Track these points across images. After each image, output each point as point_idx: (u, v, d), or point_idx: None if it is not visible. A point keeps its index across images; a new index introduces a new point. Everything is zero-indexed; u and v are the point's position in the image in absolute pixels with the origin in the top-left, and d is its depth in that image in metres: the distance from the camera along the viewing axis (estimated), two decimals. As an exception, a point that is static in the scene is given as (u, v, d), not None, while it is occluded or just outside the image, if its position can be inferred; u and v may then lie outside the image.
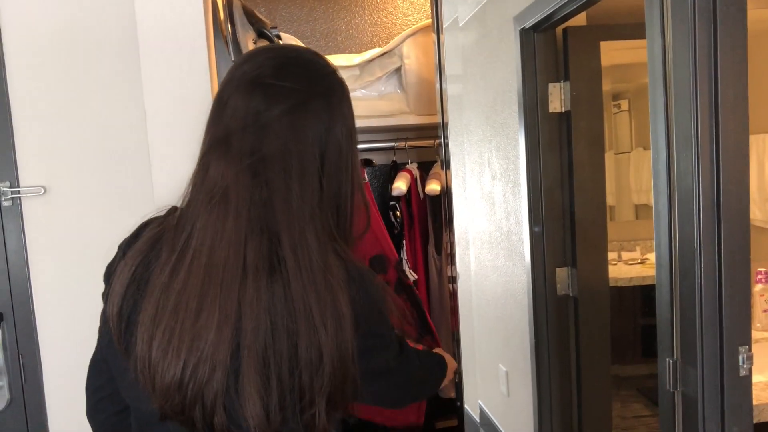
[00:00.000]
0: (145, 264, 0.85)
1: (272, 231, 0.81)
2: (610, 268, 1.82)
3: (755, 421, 1.17)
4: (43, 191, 1.81)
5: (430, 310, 2.59)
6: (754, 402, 1.13)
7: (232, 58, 1.62)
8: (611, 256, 2.55)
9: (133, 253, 0.86)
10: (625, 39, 1.71)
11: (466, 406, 2.44)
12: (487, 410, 2.29)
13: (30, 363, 1.86)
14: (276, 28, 1.91)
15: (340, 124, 0.89)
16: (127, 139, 1.83)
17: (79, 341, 1.85)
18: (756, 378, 1.37)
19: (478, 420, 2.36)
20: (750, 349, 1.06)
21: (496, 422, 2.20)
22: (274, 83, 0.85)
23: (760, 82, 2.06)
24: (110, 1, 1.75)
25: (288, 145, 0.83)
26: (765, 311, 1.89)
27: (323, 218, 0.85)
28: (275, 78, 0.85)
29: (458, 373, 2.44)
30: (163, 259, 0.82)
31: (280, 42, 1.94)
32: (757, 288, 1.90)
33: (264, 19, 1.86)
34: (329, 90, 0.89)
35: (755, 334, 1.87)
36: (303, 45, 2.38)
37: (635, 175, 2.58)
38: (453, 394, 2.55)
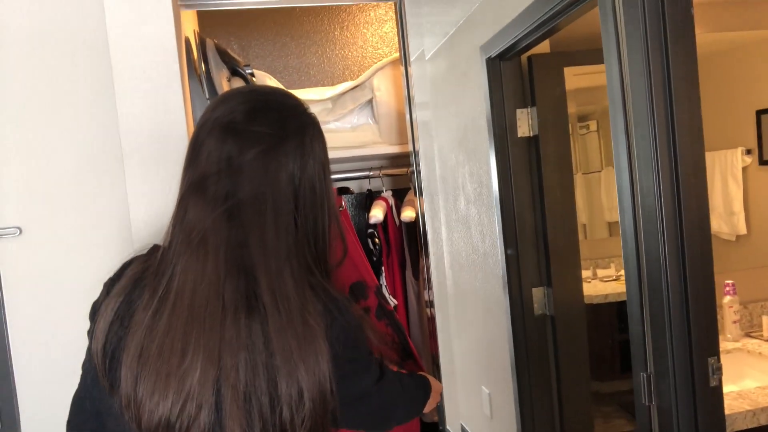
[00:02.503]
0: (127, 302, 0.86)
1: (249, 271, 0.84)
2: (586, 285, 1.86)
3: (729, 430, 1.20)
4: (18, 232, 1.80)
5: (410, 334, 2.60)
6: (727, 412, 1.16)
7: (207, 97, 1.65)
8: (586, 273, 2.60)
9: (117, 291, 0.87)
10: (588, 64, 1.77)
11: (448, 427, 2.44)
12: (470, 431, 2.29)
13: (6, 406, 1.83)
14: (249, 66, 1.94)
15: (313, 161, 0.92)
16: (103, 177, 1.84)
17: (57, 380, 1.83)
18: (728, 388, 1.41)
19: (461, 442, 2.36)
20: (719, 360, 1.09)
21: (481, 445, 2.21)
22: (245, 129, 0.88)
23: (721, 100, 2.15)
24: (84, 41, 1.77)
25: (261, 187, 0.86)
26: (734, 322, 1.94)
27: (300, 254, 0.87)
28: (247, 123, 0.89)
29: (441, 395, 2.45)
30: (146, 300, 0.84)
31: (254, 79, 1.98)
32: (726, 300, 1.94)
33: (237, 57, 1.89)
34: (301, 130, 0.92)
35: (726, 345, 1.91)
36: (275, 81, 2.42)
37: (606, 193, 2.64)
38: (436, 419, 2.55)
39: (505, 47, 1.66)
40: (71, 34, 1.77)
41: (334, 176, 2.65)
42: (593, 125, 2.66)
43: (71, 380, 0.97)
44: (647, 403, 1.15)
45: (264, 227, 0.85)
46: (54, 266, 1.83)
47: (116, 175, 1.80)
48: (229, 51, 1.84)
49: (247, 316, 0.82)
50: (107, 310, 0.86)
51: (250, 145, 0.87)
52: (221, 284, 0.82)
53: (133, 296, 0.87)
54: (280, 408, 0.80)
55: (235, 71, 1.85)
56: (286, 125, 0.91)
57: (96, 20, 1.75)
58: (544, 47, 1.78)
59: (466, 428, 2.32)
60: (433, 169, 2.33)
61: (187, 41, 1.63)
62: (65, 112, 1.82)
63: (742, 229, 2.19)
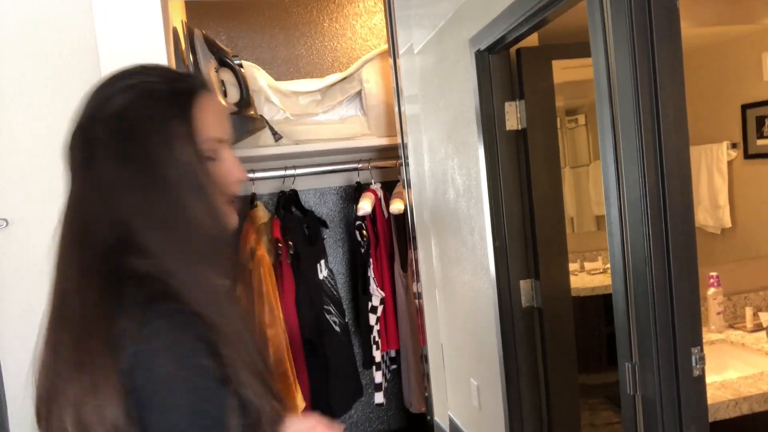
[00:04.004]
0: None
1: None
2: (574, 278, 1.87)
3: (711, 419, 1.22)
4: (5, 224, 1.79)
5: (398, 327, 2.61)
6: (710, 401, 1.18)
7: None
8: (574, 266, 2.62)
9: None
10: (576, 57, 1.78)
11: (437, 419, 2.46)
12: (459, 424, 2.31)
13: (-7, 401, 1.82)
14: (237, 56, 1.93)
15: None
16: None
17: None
18: (711, 378, 1.43)
19: (448, 431, 2.38)
20: (702, 350, 1.11)
21: (469, 436, 2.23)
22: None
23: (707, 94, 2.17)
24: (71, 32, 1.76)
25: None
26: (718, 314, 1.96)
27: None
28: None
29: (427, 387, 2.47)
30: None
31: (242, 70, 1.97)
32: (710, 291, 1.97)
33: (225, 48, 1.88)
34: None
35: (710, 336, 1.94)
36: (264, 73, 2.41)
37: (594, 187, 2.66)
38: (423, 409, 2.57)
39: (493, 40, 1.66)
40: (58, 24, 1.76)
41: (323, 168, 2.65)
42: (581, 119, 2.67)
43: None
44: (632, 393, 1.17)
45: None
46: (41, 259, 1.82)
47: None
48: (217, 42, 1.83)
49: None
50: None
51: None
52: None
53: None
54: None
55: (223, 62, 1.85)
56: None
57: (83, 10, 1.74)
58: (532, 40, 1.79)
59: (455, 420, 2.34)
60: (422, 162, 2.34)
61: (175, 32, 1.62)
62: (53, 103, 1.81)
63: (727, 223, 2.21)
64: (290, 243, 2.40)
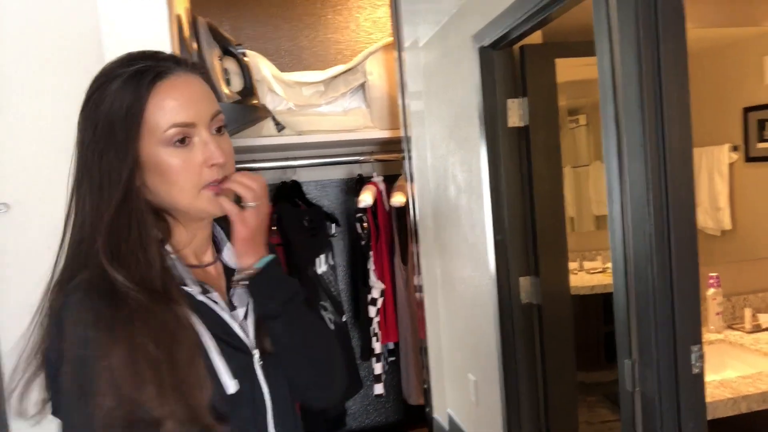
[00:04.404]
0: None
1: None
2: (573, 277, 1.87)
3: (710, 417, 1.22)
4: (5, 209, 1.78)
5: (398, 320, 2.61)
6: (708, 399, 1.18)
7: (198, 76, 1.64)
8: (573, 265, 2.62)
9: None
10: (580, 56, 1.77)
11: (435, 415, 2.46)
12: (456, 419, 2.31)
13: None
14: (241, 45, 1.92)
15: None
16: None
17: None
18: (710, 377, 1.43)
19: (447, 428, 2.38)
20: (701, 348, 1.11)
21: (466, 430, 2.23)
22: None
23: (709, 97, 2.17)
24: (75, 19, 1.75)
25: None
26: (718, 314, 1.96)
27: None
28: None
29: (426, 380, 2.47)
30: None
31: (246, 59, 1.96)
32: (710, 292, 1.97)
33: (229, 36, 1.88)
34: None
35: (709, 336, 1.94)
36: (267, 62, 2.40)
37: (594, 187, 2.66)
38: (422, 401, 2.57)
39: (497, 37, 1.66)
40: (62, 11, 1.75)
41: (325, 160, 2.65)
42: (583, 119, 2.67)
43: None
44: (631, 390, 1.17)
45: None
46: (42, 244, 1.81)
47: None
48: (220, 30, 1.82)
49: None
50: None
51: None
52: None
53: None
54: None
55: (227, 51, 1.84)
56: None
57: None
58: (536, 38, 1.78)
59: (453, 417, 2.35)
60: (424, 156, 2.33)
61: (179, 19, 1.62)
62: (55, 90, 1.80)
63: (728, 225, 2.21)
64: (276, 232, 2.36)
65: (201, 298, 0.81)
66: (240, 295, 0.86)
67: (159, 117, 0.76)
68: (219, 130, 0.82)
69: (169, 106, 0.77)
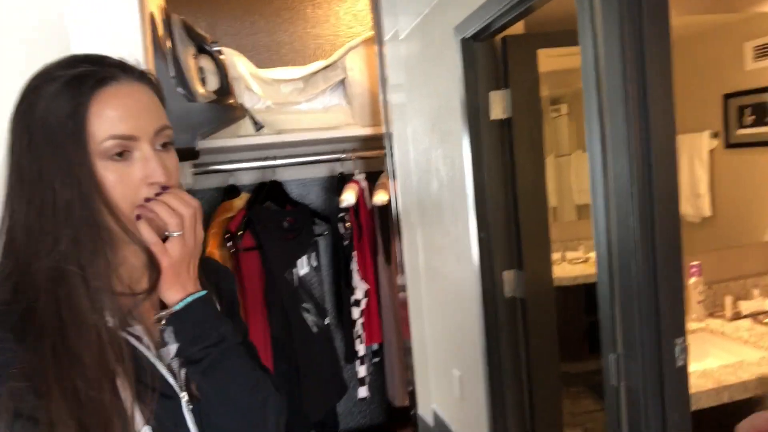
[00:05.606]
0: None
1: None
2: (555, 267, 1.87)
3: (693, 408, 1.23)
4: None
5: (381, 320, 2.59)
6: (692, 390, 1.18)
7: (172, 75, 1.60)
8: (555, 256, 2.62)
9: None
10: (562, 46, 1.76)
11: (420, 412, 2.46)
12: (441, 415, 2.31)
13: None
14: (216, 42, 1.88)
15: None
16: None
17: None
18: (692, 367, 1.44)
19: (432, 424, 2.38)
20: (685, 341, 1.11)
21: (450, 426, 2.23)
22: None
23: (689, 84, 2.17)
24: (40, 14, 1.69)
25: None
26: (699, 303, 1.98)
27: None
28: None
29: (411, 380, 2.46)
30: None
31: (222, 57, 1.92)
32: (692, 281, 1.98)
33: (204, 34, 1.83)
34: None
35: (691, 325, 1.96)
36: (244, 60, 2.36)
37: (576, 176, 2.67)
38: (407, 402, 2.56)
39: (479, 28, 1.64)
40: (25, 9, 1.69)
41: (306, 159, 2.62)
42: (564, 108, 2.67)
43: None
44: (616, 384, 1.17)
45: None
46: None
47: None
48: (195, 28, 1.78)
49: None
50: None
51: None
52: None
53: None
54: None
55: (202, 49, 1.80)
56: None
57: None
58: (518, 28, 1.77)
59: (439, 413, 2.34)
60: (406, 152, 2.31)
61: (152, 17, 1.57)
62: (17, 87, 1.75)
63: (707, 212, 2.23)
64: (245, 235, 2.29)
65: (121, 333, 0.73)
66: (171, 331, 0.78)
67: (96, 127, 0.71)
68: (165, 146, 0.77)
69: (109, 116, 0.72)
